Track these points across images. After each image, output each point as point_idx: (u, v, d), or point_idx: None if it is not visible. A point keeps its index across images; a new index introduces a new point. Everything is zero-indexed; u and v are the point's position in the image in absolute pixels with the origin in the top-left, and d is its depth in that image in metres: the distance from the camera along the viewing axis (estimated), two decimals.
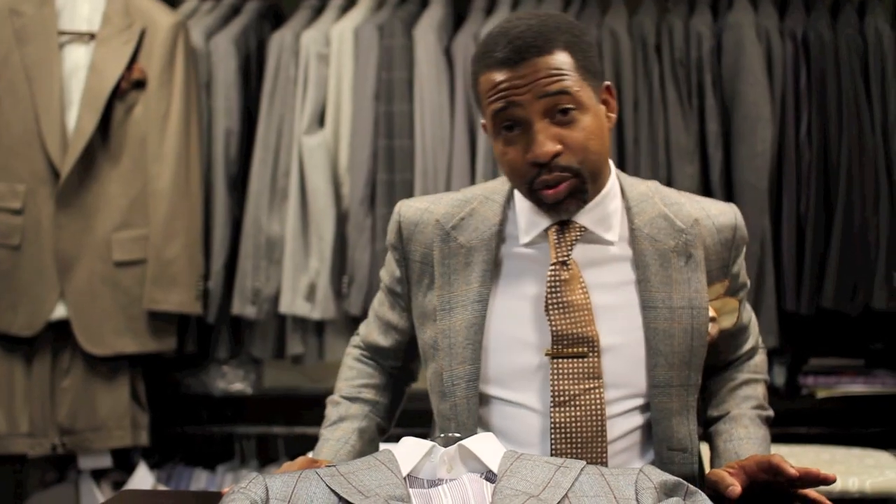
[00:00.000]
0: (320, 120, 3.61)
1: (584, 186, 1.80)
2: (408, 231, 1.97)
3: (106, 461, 3.56)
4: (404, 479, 1.56)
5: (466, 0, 3.81)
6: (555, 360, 1.82)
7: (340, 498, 1.49)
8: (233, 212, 3.66)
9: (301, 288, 3.55)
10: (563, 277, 1.83)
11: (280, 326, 3.70)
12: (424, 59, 3.52)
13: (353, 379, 2.09)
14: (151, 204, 3.42)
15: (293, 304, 3.55)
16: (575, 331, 1.82)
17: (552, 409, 1.81)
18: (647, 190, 1.95)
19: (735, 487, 1.66)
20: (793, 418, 3.61)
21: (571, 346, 1.82)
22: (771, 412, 2.01)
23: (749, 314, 2.07)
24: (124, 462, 3.70)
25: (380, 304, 2.09)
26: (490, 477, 1.58)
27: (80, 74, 3.43)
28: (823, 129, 3.43)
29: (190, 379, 3.82)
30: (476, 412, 1.87)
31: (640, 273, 1.86)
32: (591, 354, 1.82)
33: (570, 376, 1.82)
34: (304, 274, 3.56)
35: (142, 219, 3.43)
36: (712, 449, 1.97)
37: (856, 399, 3.60)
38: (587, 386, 1.81)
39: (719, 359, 2.02)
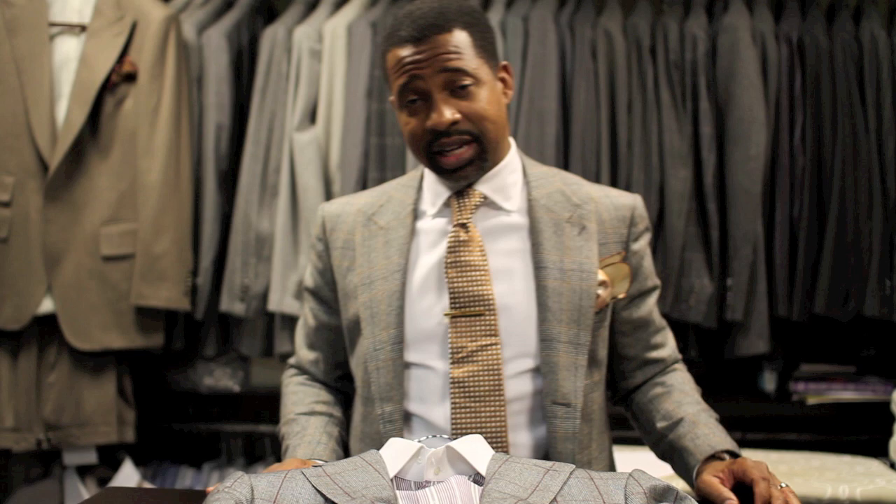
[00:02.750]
0: (312, 116, 3.60)
1: (484, 154, 1.95)
2: (331, 223, 2.10)
3: (91, 457, 3.54)
4: (391, 480, 1.54)
5: None
6: (454, 320, 1.92)
7: (326, 499, 1.47)
8: (222, 207, 3.64)
9: (290, 286, 3.52)
10: (461, 238, 1.96)
11: (268, 324, 3.68)
12: None
13: (300, 402, 2.13)
14: (140, 198, 3.39)
15: (282, 301, 3.53)
16: (471, 289, 1.92)
17: (451, 366, 1.91)
18: (549, 171, 2.09)
19: (732, 502, 1.67)
20: (783, 424, 3.61)
21: (469, 305, 1.92)
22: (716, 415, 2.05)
23: (663, 322, 2.17)
24: (110, 458, 3.68)
25: (305, 323, 2.19)
26: (478, 479, 1.57)
27: (70, 66, 3.41)
28: (818, 133, 3.42)
29: (177, 376, 3.81)
30: (402, 374, 1.95)
31: (534, 238, 1.98)
32: (487, 313, 1.92)
33: (468, 334, 1.91)
34: (294, 271, 3.53)
35: (131, 213, 3.41)
36: (681, 450, 1.96)
37: (846, 406, 3.59)
38: (484, 343, 1.91)
39: (631, 353, 2.12)
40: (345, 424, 2.14)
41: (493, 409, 1.88)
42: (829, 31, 3.47)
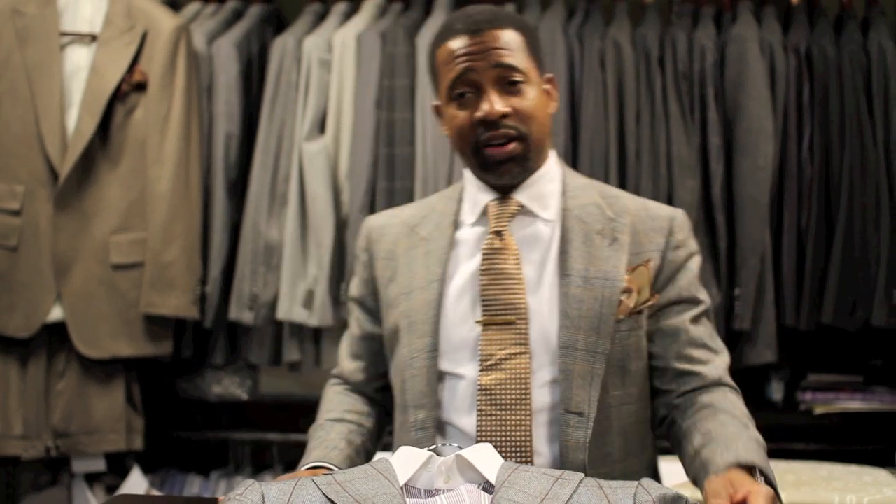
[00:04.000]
0: (321, 126, 3.60)
1: (528, 153, 1.97)
2: (377, 234, 2.14)
3: (100, 465, 3.54)
4: (401, 488, 1.55)
5: None
6: (485, 328, 1.93)
7: None
8: (232, 216, 3.64)
9: (299, 294, 3.53)
10: (496, 246, 1.97)
11: (277, 333, 3.69)
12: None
13: (332, 410, 2.13)
14: (150, 207, 3.40)
15: (291, 310, 3.53)
16: (503, 297, 1.93)
17: (480, 374, 1.91)
18: (588, 183, 2.10)
19: None
20: (790, 434, 3.60)
21: (500, 313, 1.93)
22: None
23: (712, 343, 2.04)
24: (118, 466, 3.68)
25: (350, 332, 2.20)
26: (488, 488, 1.58)
27: (80, 76, 3.42)
28: (825, 144, 3.42)
29: (186, 384, 3.81)
30: (435, 382, 1.95)
31: (563, 247, 1.98)
32: (518, 322, 1.92)
33: (498, 342, 1.92)
34: (303, 280, 3.54)
35: (140, 222, 3.41)
36: (706, 463, 1.79)
37: (854, 415, 3.59)
38: (514, 351, 1.91)
39: (661, 364, 2.01)
40: (375, 435, 2.14)
41: (518, 418, 1.88)
42: (838, 42, 3.47)
